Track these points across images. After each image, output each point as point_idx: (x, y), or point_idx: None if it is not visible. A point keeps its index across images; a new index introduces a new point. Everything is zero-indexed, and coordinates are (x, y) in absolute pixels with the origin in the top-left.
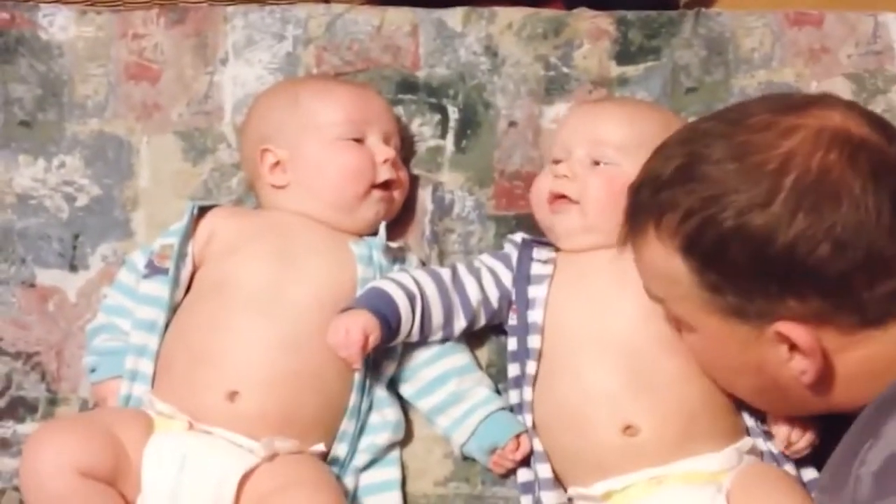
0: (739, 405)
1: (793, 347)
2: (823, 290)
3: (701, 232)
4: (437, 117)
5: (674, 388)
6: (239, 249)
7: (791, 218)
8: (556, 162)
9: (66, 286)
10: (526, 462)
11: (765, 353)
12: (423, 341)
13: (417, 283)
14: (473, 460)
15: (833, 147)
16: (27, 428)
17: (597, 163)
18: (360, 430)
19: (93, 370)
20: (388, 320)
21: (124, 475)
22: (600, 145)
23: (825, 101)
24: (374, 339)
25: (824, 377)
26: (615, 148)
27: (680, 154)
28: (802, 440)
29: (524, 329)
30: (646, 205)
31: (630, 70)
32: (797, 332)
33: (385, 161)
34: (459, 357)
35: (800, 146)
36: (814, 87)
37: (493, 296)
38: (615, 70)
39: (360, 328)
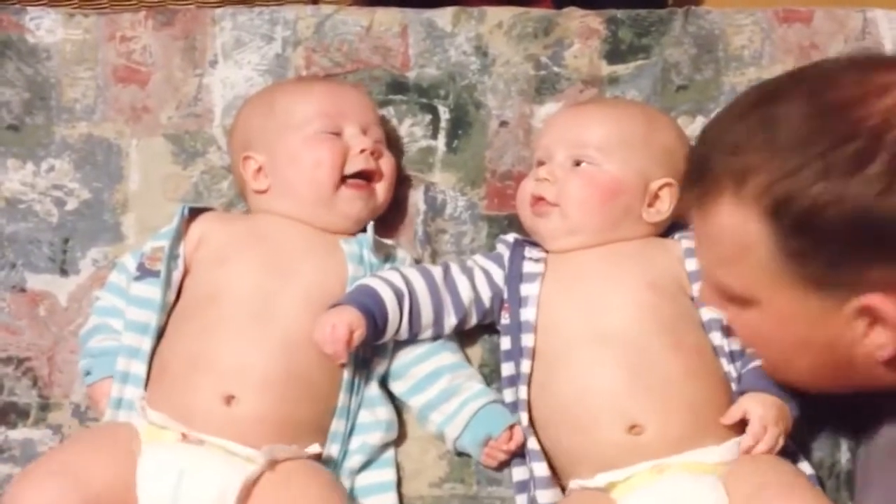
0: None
1: (873, 322)
2: None
3: (792, 196)
4: (428, 117)
5: (677, 385)
6: (228, 258)
7: (893, 178)
8: (540, 164)
9: (57, 291)
10: (521, 461)
11: (839, 327)
12: (414, 339)
13: (406, 280)
14: (468, 460)
15: None
16: (19, 434)
17: (578, 163)
18: (351, 430)
19: (87, 373)
20: (374, 316)
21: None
22: (581, 146)
23: None
24: (359, 335)
25: None
26: (595, 148)
27: (758, 114)
28: (767, 438)
29: (517, 328)
30: (720, 168)
31: (621, 69)
32: (888, 305)
33: (361, 151)
34: (451, 354)
35: None
36: None
37: (486, 295)
38: (606, 69)
39: (345, 324)
